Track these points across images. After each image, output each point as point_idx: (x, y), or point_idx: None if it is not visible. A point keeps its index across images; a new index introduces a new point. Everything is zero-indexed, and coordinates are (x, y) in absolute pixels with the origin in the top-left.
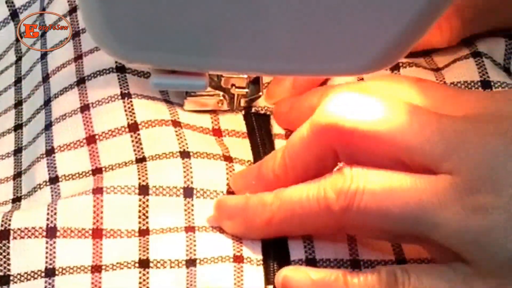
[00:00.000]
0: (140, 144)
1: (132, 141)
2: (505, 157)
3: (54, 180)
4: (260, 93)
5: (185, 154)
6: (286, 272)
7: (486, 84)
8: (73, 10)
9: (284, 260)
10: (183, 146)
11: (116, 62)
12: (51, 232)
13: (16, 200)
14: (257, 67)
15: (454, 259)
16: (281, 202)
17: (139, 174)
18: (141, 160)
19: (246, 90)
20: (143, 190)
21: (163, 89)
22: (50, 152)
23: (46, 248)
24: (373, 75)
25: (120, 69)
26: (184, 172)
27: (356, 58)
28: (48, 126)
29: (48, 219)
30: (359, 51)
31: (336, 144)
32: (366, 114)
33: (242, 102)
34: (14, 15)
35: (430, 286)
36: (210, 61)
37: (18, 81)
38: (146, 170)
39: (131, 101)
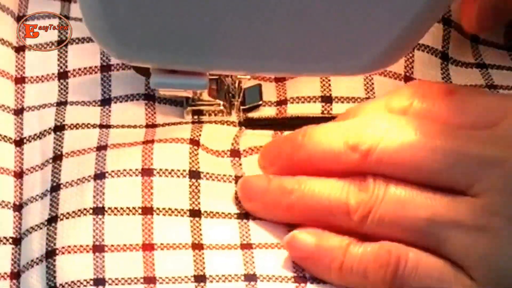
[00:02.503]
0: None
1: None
2: None
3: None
4: (260, 102)
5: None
6: (291, 237)
7: None
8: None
9: None
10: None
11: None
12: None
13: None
14: (258, 66)
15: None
16: (302, 193)
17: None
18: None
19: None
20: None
21: (163, 89)
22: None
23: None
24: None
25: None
26: None
27: (357, 58)
28: None
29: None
30: (360, 51)
31: (365, 165)
32: (394, 137)
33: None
34: None
35: (422, 278)
36: (210, 61)
37: None
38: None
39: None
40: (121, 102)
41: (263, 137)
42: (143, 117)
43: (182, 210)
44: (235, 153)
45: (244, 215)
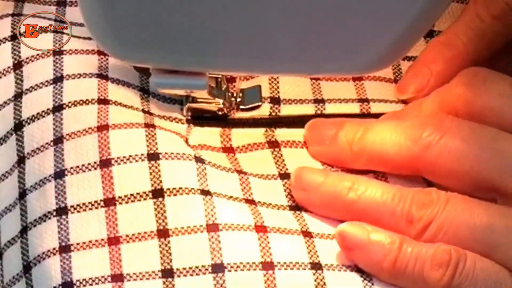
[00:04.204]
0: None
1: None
2: None
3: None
4: (260, 103)
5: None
6: (344, 227)
7: None
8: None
9: None
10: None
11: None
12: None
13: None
14: (258, 67)
15: None
16: (364, 193)
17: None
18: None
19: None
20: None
21: (163, 89)
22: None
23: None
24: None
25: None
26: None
27: (357, 58)
28: None
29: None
30: (360, 51)
31: (422, 160)
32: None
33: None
34: None
35: (479, 281)
36: (210, 60)
37: None
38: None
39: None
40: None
41: (211, 133)
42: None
43: (145, 193)
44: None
45: (208, 192)
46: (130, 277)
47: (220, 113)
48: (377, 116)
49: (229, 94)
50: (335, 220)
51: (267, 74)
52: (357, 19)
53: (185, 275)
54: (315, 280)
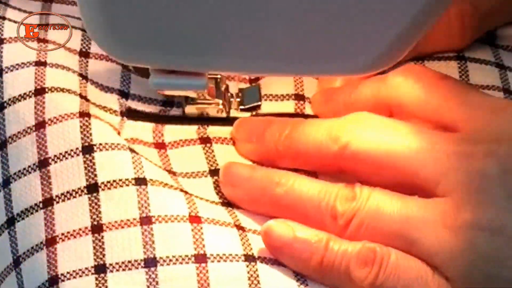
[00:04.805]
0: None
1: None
2: (491, 181)
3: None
4: (259, 102)
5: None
6: (269, 225)
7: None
8: None
9: None
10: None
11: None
12: None
13: None
14: (257, 67)
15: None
16: (291, 188)
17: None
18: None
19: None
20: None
21: (163, 89)
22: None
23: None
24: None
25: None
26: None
27: (357, 58)
28: None
29: None
30: (361, 51)
31: (342, 158)
32: (373, 137)
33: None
34: None
35: (401, 277)
36: (210, 61)
37: None
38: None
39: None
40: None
41: (144, 129)
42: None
43: (79, 189)
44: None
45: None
46: (65, 277)
47: (219, 114)
48: None
49: (229, 94)
50: (266, 217)
51: (267, 74)
52: (357, 20)
53: (117, 270)
54: (248, 272)
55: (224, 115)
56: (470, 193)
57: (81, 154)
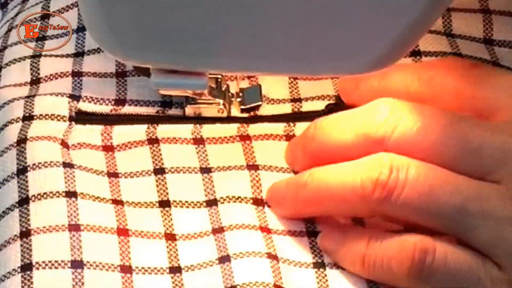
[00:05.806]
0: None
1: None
2: None
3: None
4: (260, 102)
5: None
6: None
7: None
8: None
9: None
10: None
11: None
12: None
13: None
14: (258, 67)
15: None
16: (316, 184)
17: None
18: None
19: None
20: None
21: (163, 89)
22: None
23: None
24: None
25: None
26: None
27: (358, 57)
28: None
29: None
30: (361, 51)
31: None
32: (412, 124)
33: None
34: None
35: (451, 270)
36: (210, 61)
37: None
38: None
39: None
40: None
41: (92, 132)
42: None
43: (12, 205)
44: (64, 145)
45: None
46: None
47: (220, 114)
48: None
49: (230, 94)
50: (197, 219)
51: (267, 74)
52: (357, 19)
53: (44, 268)
54: (172, 283)
55: (225, 114)
56: None
57: (15, 176)
